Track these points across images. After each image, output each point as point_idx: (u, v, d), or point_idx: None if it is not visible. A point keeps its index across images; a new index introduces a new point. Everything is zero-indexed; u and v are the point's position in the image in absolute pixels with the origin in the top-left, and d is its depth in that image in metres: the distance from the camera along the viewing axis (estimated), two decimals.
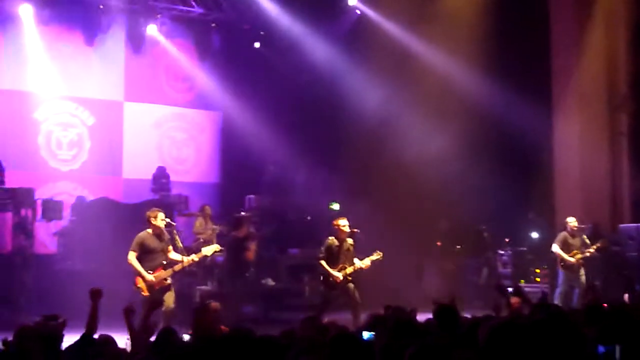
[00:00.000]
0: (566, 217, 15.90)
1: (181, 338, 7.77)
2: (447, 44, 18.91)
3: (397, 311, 8.02)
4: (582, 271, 15.22)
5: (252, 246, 15.95)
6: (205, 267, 16.27)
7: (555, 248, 15.34)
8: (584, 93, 19.01)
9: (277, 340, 6.36)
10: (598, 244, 15.48)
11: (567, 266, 15.23)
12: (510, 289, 9.47)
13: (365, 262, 13.24)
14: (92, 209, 17.23)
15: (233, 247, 15.10)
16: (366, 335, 6.52)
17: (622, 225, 17.77)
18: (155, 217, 11.84)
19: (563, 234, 15.49)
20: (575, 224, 15.48)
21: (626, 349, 5.13)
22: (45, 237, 17.53)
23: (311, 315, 7.55)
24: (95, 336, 7.64)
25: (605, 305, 9.48)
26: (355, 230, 13.40)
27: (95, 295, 8.34)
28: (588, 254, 15.29)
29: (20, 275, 15.43)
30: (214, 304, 9.84)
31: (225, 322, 9.63)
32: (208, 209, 17.86)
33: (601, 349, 5.20)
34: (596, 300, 10.17)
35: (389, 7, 19.38)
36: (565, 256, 15.18)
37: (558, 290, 15.38)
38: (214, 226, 17.55)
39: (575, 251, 15.23)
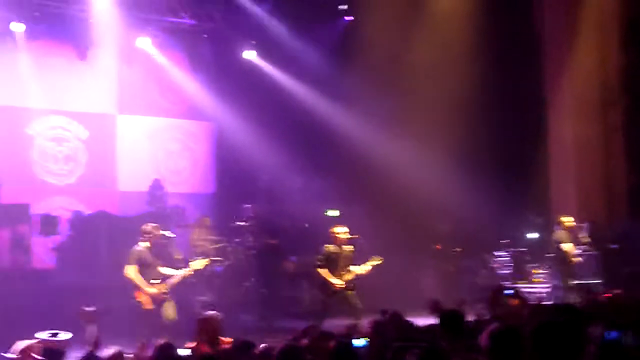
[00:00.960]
0: (561, 215, 15.97)
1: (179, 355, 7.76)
2: (438, 46, 18.94)
3: (395, 316, 8.02)
4: (575, 270, 15.35)
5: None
6: (204, 277, 16.25)
7: (566, 247, 15.37)
8: (577, 90, 19.04)
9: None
10: (585, 241, 15.65)
11: (571, 264, 15.32)
12: (508, 292, 9.46)
13: (365, 268, 13.25)
14: (89, 223, 17.20)
15: (269, 254, 15.03)
16: (360, 342, 6.53)
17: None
18: (150, 232, 11.88)
19: (561, 232, 15.55)
20: (570, 222, 15.58)
21: (632, 335, 5.18)
22: (43, 252, 17.48)
23: (312, 324, 7.55)
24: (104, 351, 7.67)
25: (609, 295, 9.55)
26: (356, 236, 13.41)
27: (92, 316, 8.33)
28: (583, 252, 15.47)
29: (19, 291, 15.37)
30: (216, 314, 9.86)
31: (225, 332, 9.64)
32: (207, 221, 17.82)
33: (610, 335, 5.23)
34: (594, 298, 10.22)
35: (378, 12, 19.37)
36: (573, 257, 15.29)
37: (555, 289, 15.44)
38: (213, 237, 17.52)
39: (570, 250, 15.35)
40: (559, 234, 15.57)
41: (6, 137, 18.24)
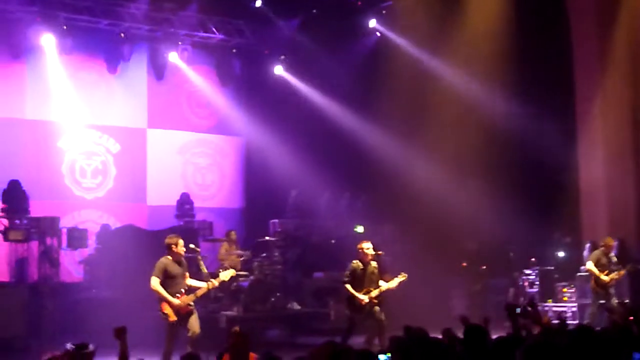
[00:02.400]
0: (592, 235, 15.88)
1: None
2: (468, 65, 18.90)
3: (418, 332, 7.93)
4: (613, 290, 15.14)
5: None
6: (230, 291, 16.26)
7: (590, 265, 15.22)
8: (607, 110, 18.89)
9: None
10: (628, 268, 15.42)
11: (600, 285, 15.12)
12: (519, 309, 9.31)
13: (392, 284, 13.20)
14: (117, 237, 17.26)
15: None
16: (383, 358, 6.48)
17: None
18: (176, 245, 11.86)
19: (597, 252, 15.39)
20: (613, 244, 15.44)
21: None
22: (71, 265, 17.59)
23: (331, 341, 7.49)
24: None
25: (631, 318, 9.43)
26: (380, 252, 13.37)
27: (121, 333, 8.32)
28: (619, 276, 15.22)
29: (47, 304, 15.46)
30: (239, 329, 9.84)
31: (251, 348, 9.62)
32: (233, 235, 17.85)
33: (637, 355, 5.22)
34: (626, 316, 10.08)
35: (408, 29, 19.39)
36: (601, 275, 15.08)
37: (589, 310, 15.27)
38: (239, 251, 17.56)
39: (607, 271, 15.14)
40: (595, 254, 15.45)
41: (38, 151, 18.41)
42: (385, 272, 13.62)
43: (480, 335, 7.09)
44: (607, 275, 15.09)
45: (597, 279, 15.09)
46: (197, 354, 7.72)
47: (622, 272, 15.25)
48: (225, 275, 12.37)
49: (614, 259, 15.38)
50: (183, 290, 11.79)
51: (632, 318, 9.63)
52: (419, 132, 19.23)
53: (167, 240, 11.99)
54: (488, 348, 6.85)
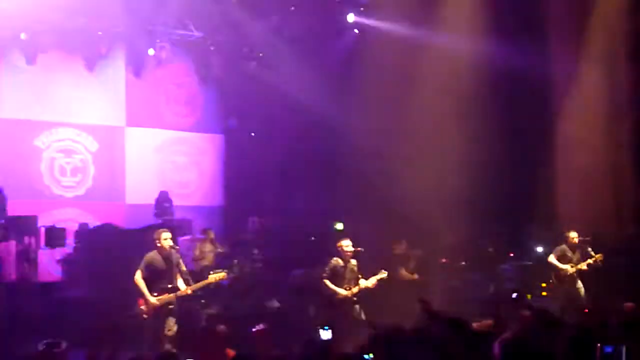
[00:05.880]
0: (568, 228, 15.94)
1: None
2: (445, 61, 18.94)
3: (392, 330, 7.98)
4: (580, 284, 15.26)
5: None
6: (210, 290, 16.23)
7: (552, 259, 15.42)
8: (584, 103, 19.00)
9: None
10: (591, 260, 15.52)
11: (562, 278, 15.29)
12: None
13: (371, 281, 13.25)
14: (95, 236, 17.19)
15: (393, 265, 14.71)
16: (367, 357, 6.54)
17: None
18: (159, 239, 11.79)
19: (562, 246, 15.55)
20: (576, 238, 15.52)
21: (630, 350, 5.23)
22: (50, 264, 17.49)
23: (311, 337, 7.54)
24: None
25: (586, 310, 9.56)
26: (360, 249, 13.39)
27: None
28: (585, 267, 15.35)
29: (25, 304, 15.36)
30: (221, 328, 9.86)
31: (231, 345, 9.64)
32: (211, 233, 17.81)
33: (608, 349, 5.29)
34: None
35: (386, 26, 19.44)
36: (561, 265, 15.23)
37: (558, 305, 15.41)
38: (218, 249, 17.49)
39: (572, 264, 15.28)
40: (558, 248, 15.62)
41: (14, 150, 18.30)
42: (367, 269, 13.68)
43: (462, 328, 7.12)
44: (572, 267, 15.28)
45: (558, 271, 15.29)
46: (173, 352, 7.71)
47: (585, 266, 15.40)
48: (216, 276, 12.24)
49: (592, 253, 15.52)
50: (168, 288, 11.68)
51: (586, 310, 9.78)
52: (399, 130, 19.25)
53: (154, 235, 11.98)
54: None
